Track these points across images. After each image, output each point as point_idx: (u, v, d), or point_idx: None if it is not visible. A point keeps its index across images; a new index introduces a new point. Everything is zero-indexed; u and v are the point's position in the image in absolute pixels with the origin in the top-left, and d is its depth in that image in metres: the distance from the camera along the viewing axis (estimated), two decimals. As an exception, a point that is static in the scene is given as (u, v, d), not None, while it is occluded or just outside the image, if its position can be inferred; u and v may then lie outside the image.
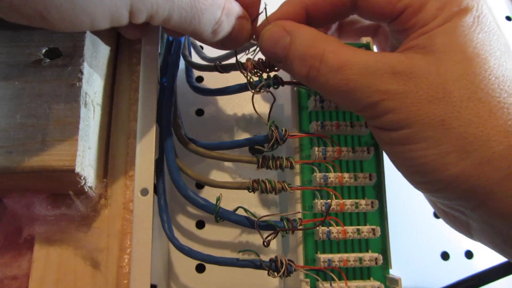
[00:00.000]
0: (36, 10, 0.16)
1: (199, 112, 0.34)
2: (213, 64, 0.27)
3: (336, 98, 0.22)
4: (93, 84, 0.23)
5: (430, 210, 0.34)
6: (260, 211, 0.31)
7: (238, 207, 0.25)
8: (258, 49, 0.25)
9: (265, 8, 0.24)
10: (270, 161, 0.25)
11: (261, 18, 0.24)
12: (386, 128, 0.21)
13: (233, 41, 0.24)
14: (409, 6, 0.21)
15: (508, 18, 0.41)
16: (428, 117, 0.19)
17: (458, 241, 0.33)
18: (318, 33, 0.22)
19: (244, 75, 0.25)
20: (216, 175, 0.32)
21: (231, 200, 0.31)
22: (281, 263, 0.23)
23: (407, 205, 0.33)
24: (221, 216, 0.24)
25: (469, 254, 0.33)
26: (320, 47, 0.21)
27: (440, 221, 0.34)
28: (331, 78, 0.20)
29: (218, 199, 0.24)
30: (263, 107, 0.34)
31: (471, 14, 0.20)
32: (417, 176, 0.21)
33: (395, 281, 0.25)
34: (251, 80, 0.25)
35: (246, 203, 0.31)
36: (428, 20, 0.21)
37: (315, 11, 0.23)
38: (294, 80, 0.26)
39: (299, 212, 0.26)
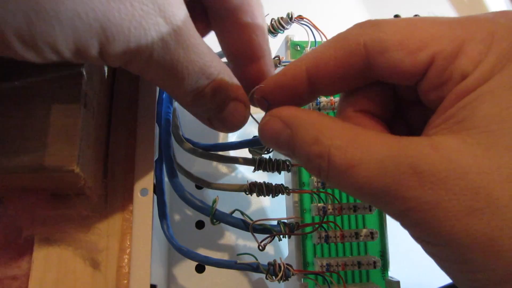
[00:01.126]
0: None
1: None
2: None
3: (362, 200, 0.18)
4: (93, 84, 0.23)
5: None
6: (258, 214, 0.31)
7: (235, 210, 0.25)
8: None
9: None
10: (268, 164, 0.25)
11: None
12: (423, 240, 0.16)
13: (222, 124, 0.21)
14: (437, 54, 0.15)
15: None
16: (470, 235, 0.14)
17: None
18: (321, 122, 0.17)
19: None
20: (216, 176, 0.32)
21: (230, 202, 0.31)
22: (279, 267, 0.23)
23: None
24: (217, 218, 0.24)
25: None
26: (325, 142, 0.16)
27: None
28: (342, 182, 0.16)
29: (215, 202, 0.24)
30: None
31: None
32: None
33: (394, 284, 0.25)
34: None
35: (246, 206, 0.31)
36: (467, 71, 0.15)
37: (319, 77, 0.18)
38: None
39: (293, 217, 0.25)
